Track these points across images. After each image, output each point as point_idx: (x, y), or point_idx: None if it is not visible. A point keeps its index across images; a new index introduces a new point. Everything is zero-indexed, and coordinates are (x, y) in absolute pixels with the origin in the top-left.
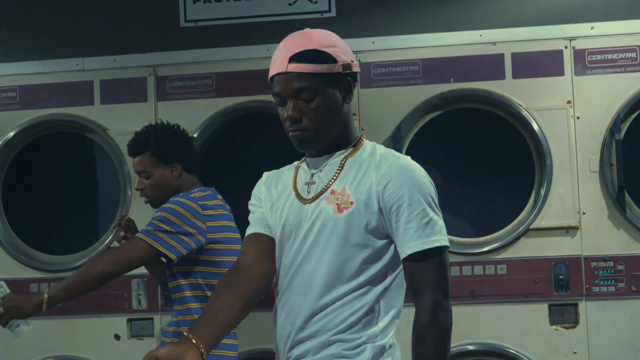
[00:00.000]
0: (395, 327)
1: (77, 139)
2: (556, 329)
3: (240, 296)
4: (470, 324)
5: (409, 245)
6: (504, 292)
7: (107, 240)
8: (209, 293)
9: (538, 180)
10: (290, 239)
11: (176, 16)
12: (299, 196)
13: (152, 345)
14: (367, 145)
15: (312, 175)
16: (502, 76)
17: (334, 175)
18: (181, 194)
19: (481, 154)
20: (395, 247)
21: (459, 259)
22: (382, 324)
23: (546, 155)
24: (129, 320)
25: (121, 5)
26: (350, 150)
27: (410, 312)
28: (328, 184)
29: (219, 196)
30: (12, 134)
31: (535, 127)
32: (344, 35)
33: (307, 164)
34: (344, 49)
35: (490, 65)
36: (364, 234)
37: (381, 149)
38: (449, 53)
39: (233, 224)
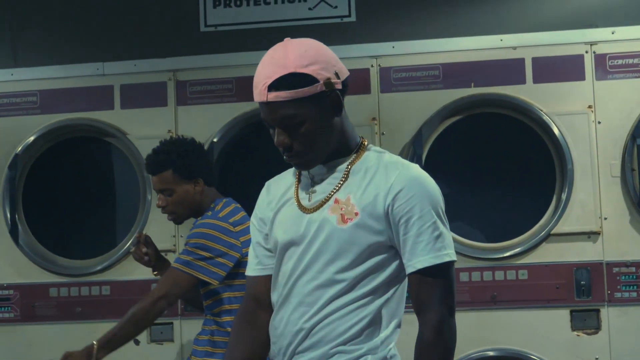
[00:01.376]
0: (396, 336)
1: (96, 143)
2: (578, 335)
3: (257, 348)
4: (491, 329)
5: (419, 260)
6: (525, 298)
7: (126, 246)
8: None
9: (559, 185)
10: (290, 248)
11: (196, 21)
12: (300, 205)
13: (172, 350)
14: (371, 150)
15: (314, 183)
16: (522, 81)
17: (338, 184)
18: (209, 213)
19: (502, 159)
20: (399, 258)
21: (480, 264)
22: (383, 334)
23: (567, 160)
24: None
25: (141, 10)
26: (352, 156)
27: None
28: (331, 192)
29: (238, 205)
30: (32, 138)
31: (556, 132)
32: (364, 39)
33: (309, 172)
34: (324, 63)
35: (510, 70)
36: (369, 245)
37: (387, 155)
38: (469, 57)
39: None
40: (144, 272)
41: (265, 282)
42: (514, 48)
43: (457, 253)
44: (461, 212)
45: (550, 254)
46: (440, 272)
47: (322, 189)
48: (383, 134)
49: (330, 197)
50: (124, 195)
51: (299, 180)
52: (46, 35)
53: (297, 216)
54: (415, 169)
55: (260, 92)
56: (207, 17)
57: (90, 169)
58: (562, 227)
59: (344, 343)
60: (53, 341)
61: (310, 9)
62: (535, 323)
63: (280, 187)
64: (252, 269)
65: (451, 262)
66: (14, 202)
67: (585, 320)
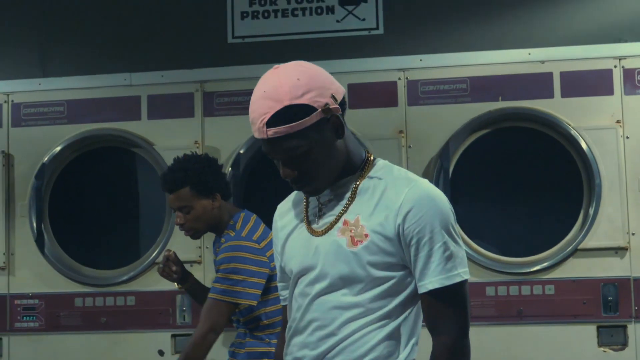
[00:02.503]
0: (415, 354)
1: (123, 153)
2: (605, 351)
3: None
4: (517, 344)
5: (430, 281)
6: (552, 313)
7: (152, 256)
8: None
9: (587, 200)
10: (303, 274)
11: (224, 32)
12: (309, 228)
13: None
14: (378, 165)
15: (322, 204)
16: (550, 95)
17: (346, 204)
18: (231, 233)
19: (529, 173)
20: (414, 277)
21: (506, 278)
22: (403, 355)
23: (595, 174)
24: (173, 335)
25: (169, 21)
26: (358, 174)
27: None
28: (340, 213)
29: (255, 217)
30: (59, 148)
31: (584, 146)
32: (391, 52)
33: None
34: (320, 89)
35: (538, 84)
36: (381, 267)
37: (395, 170)
38: (497, 71)
39: None
40: (169, 283)
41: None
42: (542, 62)
43: (483, 267)
44: (488, 226)
45: (577, 269)
46: (452, 293)
47: (330, 211)
48: (410, 147)
49: (339, 219)
50: (149, 206)
51: (307, 202)
52: (74, 46)
53: (307, 240)
54: (425, 185)
55: (259, 129)
56: (234, 28)
57: (116, 179)
58: (589, 242)
59: None
60: (78, 351)
61: (338, 21)
62: (561, 338)
63: (290, 210)
64: (281, 299)
65: (463, 282)
66: (40, 212)
67: (612, 336)
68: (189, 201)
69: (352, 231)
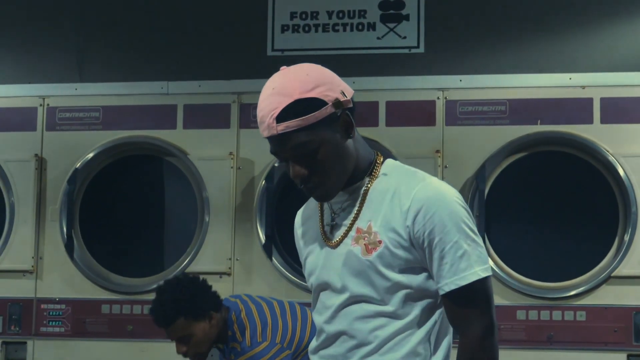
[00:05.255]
0: (449, 357)
1: (157, 162)
2: None
3: None
4: None
5: (445, 283)
6: (582, 340)
7: (182, 266)
8: None
9: (622, 227)
10: (324, 287)
11: (263, 45)
12: (325, 239)
13: None
14: (387, 165)
15: (334, 213)
16: (590, 120)
17: (357, 211)
18: (237, 348)
19: (565, 198)
20: None
21: (538, 302)
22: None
23: (632, 202)
24: None
25: (208, 31)
26: (367, 179)
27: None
28: (352, 221)
29: (248, 305)
30: (92, 154)
31: (622, 173)
32: (431, 71)
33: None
34: (329, 84)
35: (578, 109)
36: (400, 271)
37: (404, 169)
38: (536, 95)
39: (279, 311)
40: None
41: None
42: (583, 87)
43: (515, 290)
44: (521, 249)
45: (609, 296)
46: (471, 292)
47: (342, 219)
48: (446, 167)
49: (351, 227)
50: (180, 215)
51: (322, 212)
52: (112, 52)
53: (324, 253)
54: (434, 183)
55: (268, 126)
56: (274, 41)
57: (149, 187)
58: (623, 270)
59: None
60: (102, 358)
61: (378, 38)
62: None
63: (308, 219)
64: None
65: (482, 280)
66: (70, 217)
67: None
68: (187, 330)
69: (366, 238)
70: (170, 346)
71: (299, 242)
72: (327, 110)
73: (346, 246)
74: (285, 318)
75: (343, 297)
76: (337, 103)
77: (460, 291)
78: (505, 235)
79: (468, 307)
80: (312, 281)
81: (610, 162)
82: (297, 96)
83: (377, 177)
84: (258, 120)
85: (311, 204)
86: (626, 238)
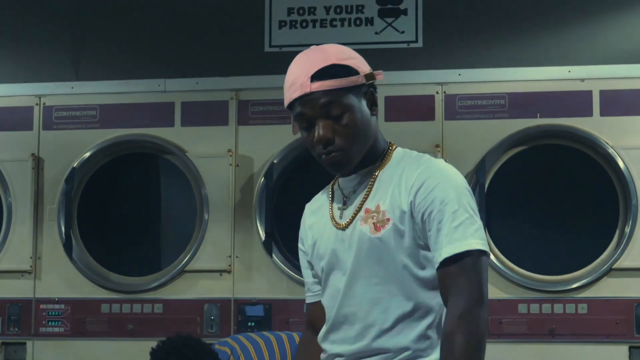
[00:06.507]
0: None
1: (155, 160)
2: None
3: None
4: None
5: (440, 253)
6: (584, 332)
7: (181, 264)
8: None
9: (622, 219)
10: (333, 269)
11: (261, 41)
12: (335, 222)
13: None
14: (398, 153)
15: (345, 197)
16: (589, 113)
17: (366, 193)
18: None
19: (565, 191)
20: None
21: (539, 296)
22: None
23: (632, 194)
24: None
25: (205, 28)
26: (379, 163)
27: None
28: (361, 203)
29: (244, 347)
30: (90, 152)
31: (622, 165)
32: (430, 66)
33: (339, 186)
34: (361, 60)
35: (577, 102)
36: (408, 250)
37: (413, 154)
38: (536, 88)
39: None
40: (197, 292)
41: (318, 308)
42: (582, 80)
43: (516, 284)
44: (522, 242)
45: (611, 288)
46: (462, 262)
47: (352, 202)
48: (446, 161)
49: (360, 208)
50: (179, 214)
51: (332, 199)
52: (108, 50)
53: (334, 235)
54: (439, 162)
55: (301, 85)
56: (272, 37)
57: (147, 186)
58: (624, 262)
59: (411, 358)
60: (103, 358)
61: (377, 33)
62: (593, 358)
63: (317, 209)
64: (306, 297)
65: (475, 252)
66: (68, 216)
67: None
68: None
69: (374, 218)
70: None
71: (306, 232)
72: (360, 79)
73: (355, 227)
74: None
75: (353, 278)
76: (369, 75)
77: (453, 259)
78: (505, 228)
79: (459, 277)
80: (322, 264)
81: (610, 155)
82: (333, 60)
83: (388, 162)
84: (287, 85)
85: (320, 196)
86: (627, 230)
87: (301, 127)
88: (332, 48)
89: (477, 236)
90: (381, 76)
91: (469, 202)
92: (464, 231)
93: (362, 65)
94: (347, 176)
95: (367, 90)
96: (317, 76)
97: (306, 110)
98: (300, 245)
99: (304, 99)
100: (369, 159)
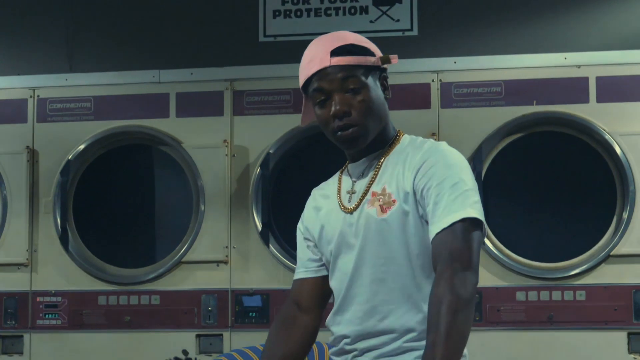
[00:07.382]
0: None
1: (150, 151)
2: (635, 358)
3: (293, 346)
4: (547, 350)
5: (437, 226)
6: (582, 319)
7: (178, 255)
8: None
9: (620, 205)
10: (341, 253)
11: (255, 31)
12: (343, 207)
13: None
14: (404, 140)
15: (354, 183)
16: (585, 100)
17: (372, 177)
18: None
19: (562, 178)
20: None
21: (537, 283)
22: None
23: (629, 180)
24: (198, 336)
25: (200, 18)
26: (387, 149)
27: (481, 335)
28: (367, 187)
29: None
30: (85, 145)
31: (619, 152)
32: (425, 53)
33: (349, 172)
34: (376, 48)
35: (574, 89)
36: (415, 231)
37: (418, 140)
38: (532, 75)
39: None
40: (194, 283)
41: (308, 285)
42: (578, 67)
43: (514, 271)
44: (519, 230)
45: (609, 275)
46: (454, 229)
47: (360, 187)
48: None
49: (367, 192)
50: (176, 204)
51: (340, 184)
52: (102, 41)
53: (342, 219)
54: (441, 144)
55: (320, 60)
56: (266, 27)
57: (142, 177)
58: (622, 249)
59: (417, 339)
60: (100, 350)
61: (371, 21)
62: (591, 345)
63: (325, 194)
64: (297, 273)
65: (468, 219)
66: (64, 209)
67: None
68: None
69: (381, 200)
70: (168, 336)
71: (311, 212)
72: (376, 60)
73: (362, 210)
74: None
75: (360, 259)
76: (384, 58)
77: (447, 230)
78: (503, 216)
79: (450, 242)
80: (330, 248)
81: (607, 141)
82: (351, 41)
83: (394, 148)
84: (305, 62)
85: (330, 181)
86: (624, 216)
87: (315, 104)
88: (350, 33)
89: (475, 207)
90: (396, 60)
91: (470, 179)
92: (463, 202)
93: (377, 51)
94: (354, 162)
95: (381, 74)
96: (336, 52)
97: (324, 84)
98: (299, 224)
99: (322, 73)
100: (378, 144)
